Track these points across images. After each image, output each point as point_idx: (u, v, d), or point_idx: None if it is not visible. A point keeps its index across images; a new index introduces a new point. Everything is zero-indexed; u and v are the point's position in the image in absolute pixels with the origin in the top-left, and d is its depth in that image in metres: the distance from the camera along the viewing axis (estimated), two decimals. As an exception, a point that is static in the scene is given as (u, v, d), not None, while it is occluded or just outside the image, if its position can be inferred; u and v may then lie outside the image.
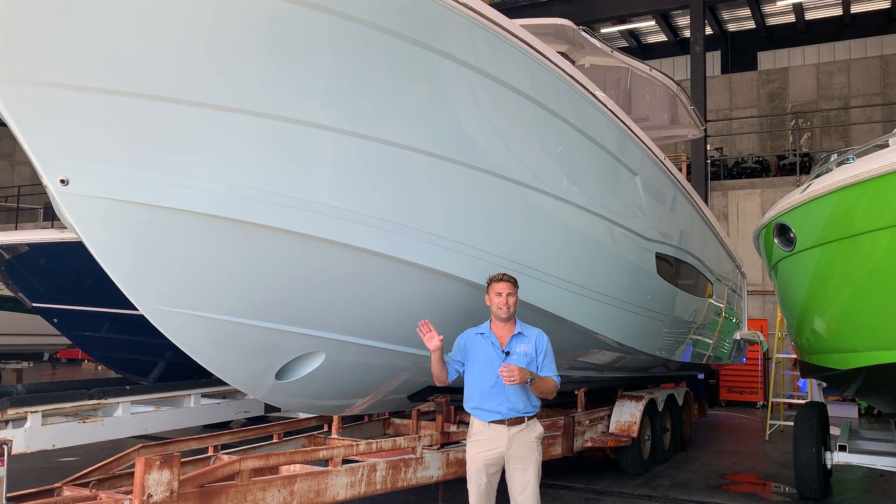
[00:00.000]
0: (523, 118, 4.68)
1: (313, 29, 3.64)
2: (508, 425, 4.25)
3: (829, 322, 5.92)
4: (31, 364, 15.98)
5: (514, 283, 4.37)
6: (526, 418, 4.29)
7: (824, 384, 8.95)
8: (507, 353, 4.28)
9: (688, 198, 7.36)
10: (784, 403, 12.16)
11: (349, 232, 4.04)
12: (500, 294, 4.32)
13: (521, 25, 4.71)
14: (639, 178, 6.02)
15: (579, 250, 5.48)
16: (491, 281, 4.40)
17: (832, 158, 5.63)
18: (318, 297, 4.27)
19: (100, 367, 21.15)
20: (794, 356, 12.63)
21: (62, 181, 3.35)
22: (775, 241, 5.79)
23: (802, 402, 11.19)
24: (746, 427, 12.48)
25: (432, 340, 4.24)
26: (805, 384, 11.57)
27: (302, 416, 7.21)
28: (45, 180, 3.36)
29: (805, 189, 5.20)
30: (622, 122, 5.61)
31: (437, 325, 4.55)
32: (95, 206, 3.45)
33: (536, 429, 4.36)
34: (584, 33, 7.00)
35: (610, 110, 5.42)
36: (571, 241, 5.37)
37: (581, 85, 5.04)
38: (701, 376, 13.09)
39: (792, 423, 10.69)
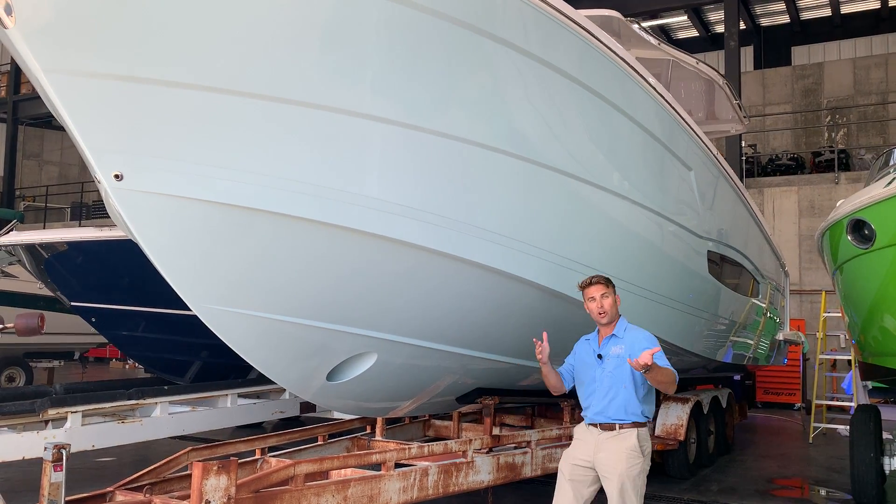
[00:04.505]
0: (586, 112, 4.50)
1: (367, 16, 3.49)
2: (600, 429, 4.08)
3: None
4: (62, 363, 16.05)
5: (605, 283, 4.13)
6: (618, 426, 4.05)
7: (870, 386, 8.66)
8: (600, 357, 4.10)
9: (738, 193, 7.16)
10: (826, 406, 11.87)
11: (404, 228, 3.89)
12: (593, 299, 4.10)
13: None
14: (693, 173, 5.83)
15: (638, 248, 5.30)
16: (582, 287, 4.17)
17: (904, 153, 5.41)
18: (372, 296, 4.13)
19: (127, 366, 21.24)
20: (835, 357, 12.38)
21: (116, 176, 3.22)
22: (849, 237, 5.55)
23: (846, 404, 10.94)
24: (787, 429, 12.18)
25: (539, 354, 4.15)
26: (849, 386, 11.26)
27: (337, 415, 7.08)
28: (98, 175, 3.23)
29: (890, 183, 4.96)
30: (679, 115, 5.43)
31: (502, 331, 4.41)
32: (150, 203, 3.32)
33: (629, 439, 4.03)
34: (633, 25, 6.82)
35: (669, 104, 5.24)
36: (631, 240, 5.19)
37: (644, 79, 4.88)
38: (737, 377, 12.81)
39: (836, 426, 10.49)
